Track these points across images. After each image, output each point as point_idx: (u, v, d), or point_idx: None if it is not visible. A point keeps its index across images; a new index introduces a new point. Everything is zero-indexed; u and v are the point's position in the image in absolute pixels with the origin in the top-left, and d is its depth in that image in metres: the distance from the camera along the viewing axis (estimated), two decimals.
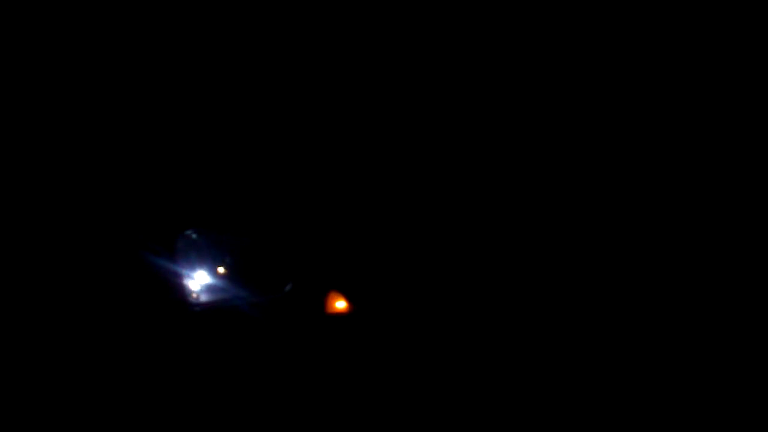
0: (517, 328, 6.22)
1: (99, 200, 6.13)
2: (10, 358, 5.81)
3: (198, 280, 6.25)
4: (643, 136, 6.17)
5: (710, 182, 6.08)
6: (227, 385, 6.08)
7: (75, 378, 5.88)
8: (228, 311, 6.24)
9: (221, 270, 6.30)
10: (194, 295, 6.24)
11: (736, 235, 6.04)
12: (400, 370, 6.13)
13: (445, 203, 6.32)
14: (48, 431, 5.71)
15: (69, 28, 5.95)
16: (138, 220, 6.17)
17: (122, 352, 6.00)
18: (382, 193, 6.34)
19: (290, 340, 6.22)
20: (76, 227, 6.07)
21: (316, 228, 6.36)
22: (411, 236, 6.33)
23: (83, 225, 6.09)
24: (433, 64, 6.21)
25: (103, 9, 5.98)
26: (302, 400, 6.09)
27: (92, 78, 6.09)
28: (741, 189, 6.05)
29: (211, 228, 6.33)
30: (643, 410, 5.81)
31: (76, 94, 6.10)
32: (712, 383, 5.82)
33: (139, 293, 6.06)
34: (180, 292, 6.19)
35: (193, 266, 6.25)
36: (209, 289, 6.28)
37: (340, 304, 6.24)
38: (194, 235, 6.29)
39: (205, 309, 6.25)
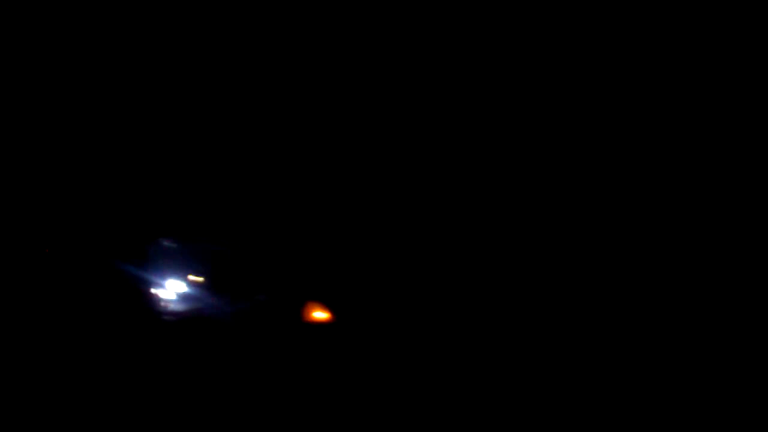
0: (505, 338, 6.03)
1: (73, 208, 6.05)
2: None
3: (170, 289, 6.11)
4: (643, 136, 6.04)
5: (710, 182, 5.94)
6: (199, 393, 5.92)
7: (46, 384, 5.76)
8: (200, 320, 6.09)
9: (194, 279, 6.16)
10: (165, 304, 6.10)
11: (736, 235, 5.89)
12: (380, 378, 5.95)
13: (426, 210, 6.19)
14: None
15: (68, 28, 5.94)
16: (111, 228, 6.08)
17: (95, 359, 5.87)
18: (361, 202, 6.21)
19: (265, 349, 6.06)
20: (49, 235, 5.99)
21: (294, 238, 6.23)
22: (390, 246, 6.19)
23: (56, 232, 6.01)
24: (431, 66, 6.13)
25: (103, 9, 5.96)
26: (277, 407, 5.91)
27: (76, 86, 6.06)
28: (741, 190, 5.91)
29: (186, 237, 6.21)
30: (643, 410, 5.62)
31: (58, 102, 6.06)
32: (712, 383, 5.63)
33: (111, 301, 5.94)
34: (151, 301, 6.05)
35: (165, 275, 6.11)
36: (181, 298, 6.14)
37: (319, 314, 6.06)
38: (168, 244, 6.17)
39: (177, 318, 6.10)
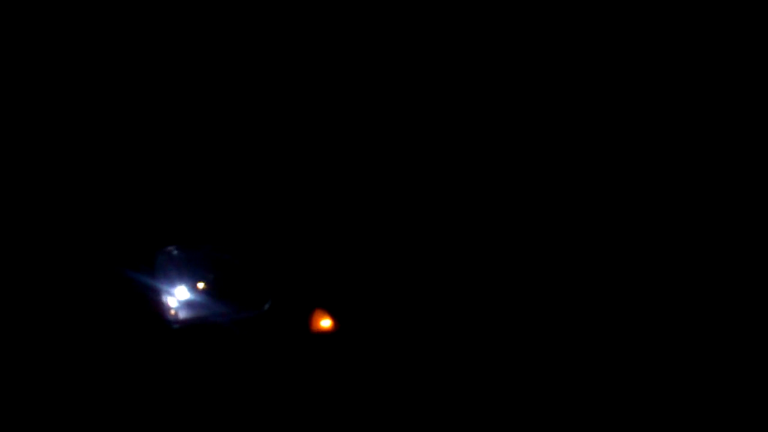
0: (511, 349, 6.10)
1: (77, 214, 6.01)
2: None
3: (177, 296, 6.12)
4: (643, 136, 6.10)
5: (710, 182, 6.02)
6: (207, 403, 5.95)
7: (51, 394, 5.76)
8: (207, 328, 6.10)
9: (201, 286, 6.16)
10: (173, 312, 6.10)
11: (736, 235, 5.98)
12: (387, 389, 6.01)
13: (433, 217, 6.22)
14: None
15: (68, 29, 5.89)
16: (117, 235, 6.06)
17: (100, 367, 5.88)
18: (368, 209, 6.24)
19: (272, 358, 6.09)
20: (53, 241, 5.96)
21: (300, 244, 6.24)
22: (398, 252, 6.22)
23: (60, 239, 5.98)
24: (430, 68, 6.15)
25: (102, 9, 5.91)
26: (283, 420, 5.96)
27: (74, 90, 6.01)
28: (741, 189, 5.99)
29: (192, 244, 6.21)
30: (643, 410, 5.72)
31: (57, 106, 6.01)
32: (712, 383, 5.74)
33: (118, 309, 5.93)
34: (159, 309, 6.05)
35: (172, 282, 6.11)
36: (188, 305, 6.15)
37: (326, 323, 6.10)
38: (174, 251, 6.16)
39: (184, 326, 6.11)
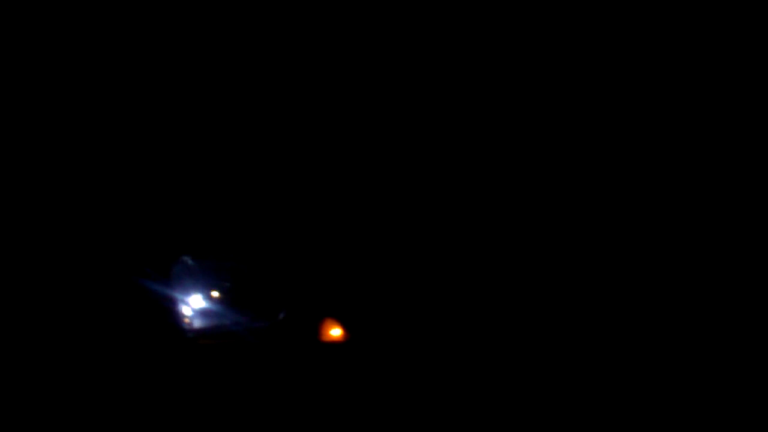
0: (516, 354, 6.12)
1: (95, 224, 6.15)
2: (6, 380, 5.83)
3: (192, 306, 6.25)
4: (643, 137, 6.07)
5: (710, 182, 5.97)
6: (221, 411, 6.04)
7: (69, 400, 5.89)
8: (222, 337, 6.22)
9: (216, 296, 6.29)
10: (188, 321, 6.23)
11: (736, 235, 5.92)
12: (396, 398, 6.05)
13: (439, 229, 6.26)
14: None
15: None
16: (134, 245, 6.19)
17: (117, 374, 6.00)
18: (377, 221, 6.30)
19: (284, 367, 6.18)
20: (73, 251, 6.10)
21: (311, 255, 6.33)
22: (406, 263, 6.27)
23: (80, 249, 6.12)
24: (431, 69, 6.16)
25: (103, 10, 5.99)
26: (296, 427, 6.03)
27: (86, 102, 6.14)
28: (741, 189, 5.93)
29: (207, 254, 6.33)
30: (643, 410, 5.69)
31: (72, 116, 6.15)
32: (712, 383, 5.69)
33: (135, 318, 6.06)
34: (174, 317, 6.18)
35: (188, 291, 6.24)
36: (203, 314, 6.27)
37: (336, 332, 6.18)
38: (190, 261, 6.29)
39: (199, 334, 6.23)
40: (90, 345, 5.99)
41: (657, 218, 6.04)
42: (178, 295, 6.20)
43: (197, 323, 6.25)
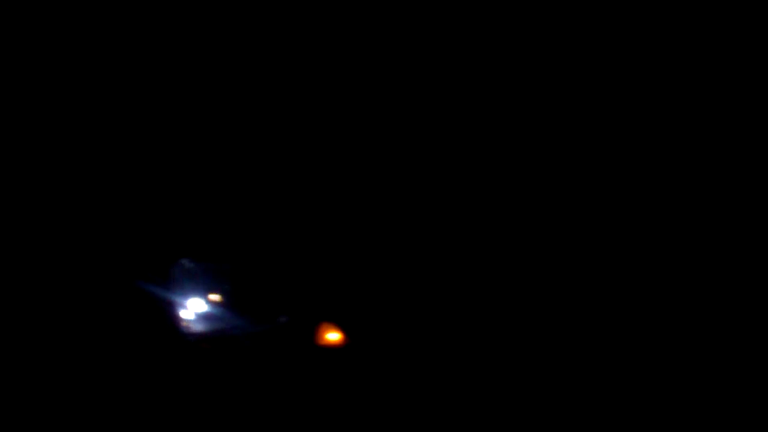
0: (518, 363, 6.05)
1: (95, 228, 6.18)
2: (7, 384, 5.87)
3: (192, 309, 6.26)
4: (643, 137, 5.99)
5: (710, 183, 5.88)
6: (221, 413, 6.04)
7: (70, 401, 5.92)
8: (221, 341, 6.22)
9: (216, 299, 6.29)
10: (187, 324, 6.24)
11: (736, 235, 5.83)
12: (392, 401, 6.01)
13: (438, 233, 6.21)
14: None
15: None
16: (135, 249, 6.21)
17: (117, 377, 6.02)
18: (374, 225, 6.27)
19: (282, 371, 6.16)
20: (74, 255, 6.13)
21: (311, 259, 6.31)
22: (403, 267, 6.23)
23: (81, 253, 6.15)
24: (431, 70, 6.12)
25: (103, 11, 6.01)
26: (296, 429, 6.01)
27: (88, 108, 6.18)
28: (741, 189, 5.84)
29: (207, 257, 6.34)
30: (643, 410, 5.61)
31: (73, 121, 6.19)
32: (712, 383, 5.60)
33: (135, 321, 6.08)
34: (174, 321, 6.19)
35: (187, 295, 6.26)
36: (203, 318, 6.28)
37: (333, 336, 6.15)
38: (190, 264, 6.30)
39: (199, 338, 6.24)
40: (90, 347, 6.02)
41: (657, 218, 5.95)
42: (177, 298, 6.21)
43: (197, 327, 6.26)
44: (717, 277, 5.83)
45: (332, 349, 6.14)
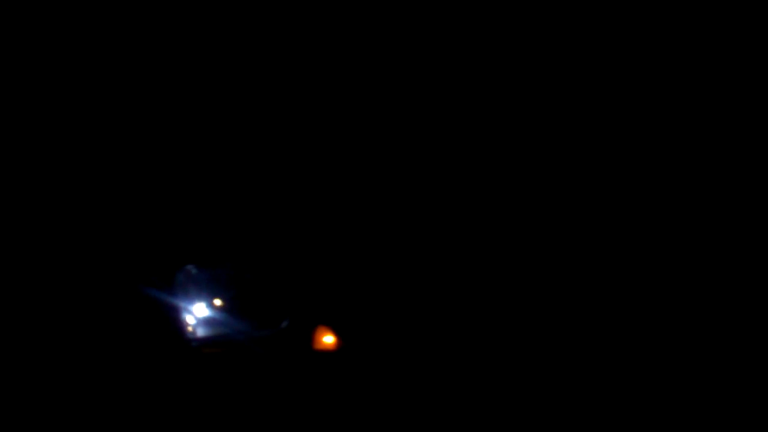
0: (508, 360, 6.03)
1: (100, 233, 6.27)
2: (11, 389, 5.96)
3: (196, 314, 6.32)
4: (643, 137, 5.95)
5: (710, 182, 5.81)
6: (224, 418, 6.07)
7: (74, 406, 5.98)
8: (225, 345, 6.26)
9: (219, 304, 6.35)
10: (191, 329, 6.29)
11: (736, 235, 5.75)
12: (389, 405, 5.99)
13: (432, 237, 6.20)
14: None
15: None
16: (139, 254, 6.28)
17: (121, 382, 6.08)
18: (370, 229, 6.28)
19: (287, 375, 6.18)
20: (80, 260, 6.22)
21: (313, 264, 6.34)
22: (399, 270, 6.23)
23: (86, 258, 6.23)
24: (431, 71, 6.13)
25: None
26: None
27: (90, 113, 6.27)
28: (741, 189, 5.76)
29: (211, 263, 6.40)
30: (643, 410, 5.54)
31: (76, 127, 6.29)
32: (712, 383, 5.52)
33: (139, 326, 6.14)
34: (178, 326, 6.24)
35: (192, 300, 6.32)
36: (207, 323, 6.33)
37: (328, 339, 6.15)
38: (194, 270, 6.37)
39: (202, 343, 6.29)
40: (96, 351, 6.09)
41: (657, 218, 5.90)
42: (182, 303, 6.27)
43: (201, 332, 6.31)
44: (717, 277, 5.76)
45: (332, 353, 6.14)
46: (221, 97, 6.39)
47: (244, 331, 6.21)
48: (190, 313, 6.23)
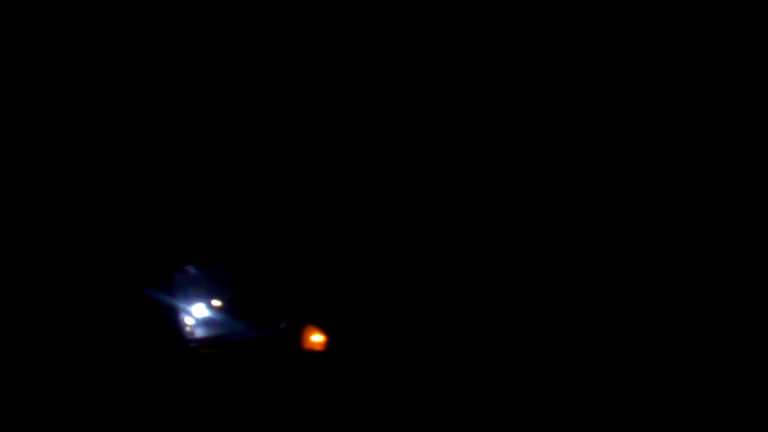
0: (497, 361, 6.01)
1: (98, 234, 6.28)
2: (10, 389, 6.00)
3: (195, 315, 6.31)
4: (643, 137, 5.89)
5: (710, 182, 5.76)
6: (222, 418, 6.09)
7: (73, 406, 6.01)
8: (223, 346, 6.27)
9: (218, 305, 6.34)
10: (190, 330, 6.30)
11: (736, 235, 5.70)
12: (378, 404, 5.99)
13: (424, 237, 6.18)
14: None
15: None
16: (138, 255, 6.29)
17: (119, 382, 6.10)
18: (361, 228, 6.27)
19: (286, 376, 6.19)
20: (78, 260, 6.23)
21: (312, 265, 6.33)
22: (389, 270, 6.22)
23: (85, 258, 6.25)
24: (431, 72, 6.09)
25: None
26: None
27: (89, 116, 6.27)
28: (741, 189, 5.70)
29: (210, 263, 6.39)
30: (643, 410, 5.52)
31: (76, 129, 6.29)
32: (712, 383, 5.49)
33: (138, 326, 6.16)
34: (177, 326, 6.25)
35: (190, 301, 6.32)
36: (205, 323, 6.33)
37: (317, 338, 6.16)
38: (193, 270, 6.36)
39: (201, 343, 6.29)
40: (95, 352, 6.11)
41: (657, 218, 5.85)
42: (181, 304, 6.27)
43: (199, 332, 6.32)
44: (717, 277, 5.71)
45: (318, 353, 6.15)
46: (217, 99, 6.37)
47: (242, 332, 6.21)
48: (189, 313, 6.22)
